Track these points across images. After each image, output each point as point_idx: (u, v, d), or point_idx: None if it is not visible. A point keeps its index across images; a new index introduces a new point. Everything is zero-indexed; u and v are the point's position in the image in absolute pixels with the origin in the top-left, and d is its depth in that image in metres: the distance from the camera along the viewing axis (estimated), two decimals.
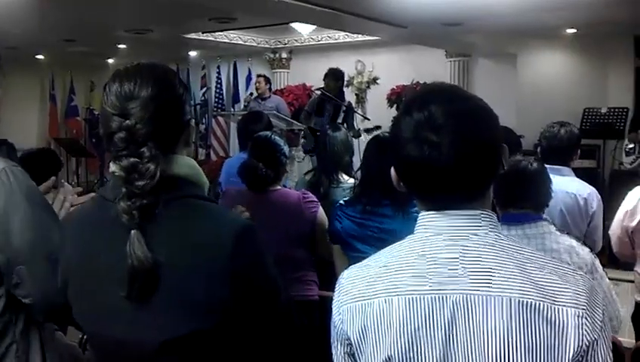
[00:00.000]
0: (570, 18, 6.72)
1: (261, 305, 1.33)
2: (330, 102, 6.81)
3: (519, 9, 5.80)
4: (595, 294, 1.03)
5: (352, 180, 3.38)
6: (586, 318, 0.99)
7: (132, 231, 1.18)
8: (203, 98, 10.88)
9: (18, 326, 1.60)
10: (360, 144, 5.05)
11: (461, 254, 1.04)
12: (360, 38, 8.93)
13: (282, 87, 10.17)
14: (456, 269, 1.03)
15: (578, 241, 2.24)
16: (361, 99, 9.84)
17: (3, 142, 3.31)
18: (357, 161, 3.81)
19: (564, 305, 0.99)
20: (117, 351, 1.27)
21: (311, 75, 9.01)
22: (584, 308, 0.99)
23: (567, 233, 2.30)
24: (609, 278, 2.33)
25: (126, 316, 1.22)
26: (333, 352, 1.14)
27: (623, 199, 2.99)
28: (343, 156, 3.51)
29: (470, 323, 1.00)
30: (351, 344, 1.09)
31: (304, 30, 8.52)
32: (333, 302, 1.13)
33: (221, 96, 10.80)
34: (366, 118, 7.72)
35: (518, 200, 2.20)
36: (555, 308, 0.98)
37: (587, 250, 2.20)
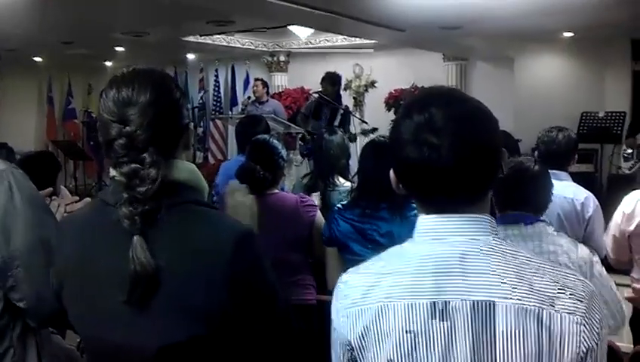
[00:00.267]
0: (568, 22, 6.74)
1: (260, 310, 1.33)
2: (328, 106, 6.82)
3: (517, 13, 5.81)
4: (595, 300, 1.03)
5: (348, 183, 3.38)
6: (584, 325, 0.99)
7: (135, 237, 1.18)
8: (201, 101, 10.89)
9: (15, 331, 1.60)
10: (357, 147, 5.06)
11: (460, 259, 1.03)
12: (358, 41, 8.94)
13: (280, 90, 10.18)
14: (456, 274, 1.03)
15: (576, 241, 2.23)
16: (358, 102, 9.83)
17: (2, 146, 3.31)
18: (353, 165, 3.82)
19: (563, 311, 0.99)
20: (115, 356, 1.26)
21: (309, 78, 9.03)
22: (583, 314, 0.99)
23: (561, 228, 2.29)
24: None
25: (125, 321, 1.21)
26: (333, 357, 1.14)
27: (621, 203, 2.98)
28: (339, 159, 3.51)
29: (469, 329, 1.00)
30: (352, 349, 1.08)
31: (302, 33, 8.53)
32: (332, 306, 1.13)
33: (219, 100, 10.81)
34: (364, 122, 7.73)
35: (517, 203, 2.20)
36: (553, 314, 0.98)
37: (586, 249, 2.19)
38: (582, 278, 1.06)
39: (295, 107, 9.07)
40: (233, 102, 10.60)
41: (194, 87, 11.02)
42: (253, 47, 9.91)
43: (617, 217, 2.95)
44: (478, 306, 1.00)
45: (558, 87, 8.08)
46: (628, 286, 3.10)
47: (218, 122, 10.37)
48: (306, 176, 3.76)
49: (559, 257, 2.12)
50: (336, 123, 6.67)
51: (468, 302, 1.00)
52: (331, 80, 6.94)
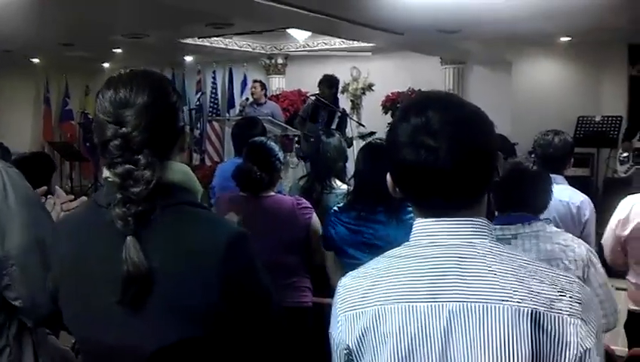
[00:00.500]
0: (565, 26, 6.76)
1: (253, 311, 1.33)
2: (325, 109, 6.83)
3: (514, 17, 5.83)
4: (590, 301, 1.03)
5: (345, 186, 3.38)
6: (581, 326, 0.99)
7: (128, 238, 1.18)
8: (198, 103, 10.89)
9: (11, 330, 1.60)
10: (354, 150, 5.07)
11: (457, 262, 1.04)
12: (356, 44, 8.96)
13: (278, 92, 10.18)
14: (452, 277, 1.03)
15: (575, 238, 2.23)
16: (356, 105, 9.84)
17: None
18: (350, 167, 3.82)
19: (560, 313, 0.99)
20: (109, 357, 1.26)
21: (306, 81, 9.04)
22: (580, 316, 1.00)
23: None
24: None
25: (119, 322, 1.21)
26: (334, 360, 1.14)
27: (616, 207, 3.00)
28: (336, 162, 3.52)
29: (467, 332, 1.00)
30: (350, 352, 1.09)
31: (300, 36, 8.54)
32: (332, 310, 1.14)
33: (216, 102, 10.80)
34: (361, 125, 7.74)
35: (516, 204, 2.20)
36: (550, 316, 0.99)
37: (584, 246, 2.19)
38: (578, 280, 1.06)
39: (292, 109, 9.08)
40: (230, 104, 10.60)
41: (191, 89, 11.02)
42: (251, 50, 9.91)
43: (613, 222, 2.96)
44: (475, 309, 1.00)
45: (555, 91, 8.10)
46: (624, 289, 3.12)
47: (215, 124, 10.36)
48: (303, 178, 3.77)
49: (555, 254, 2.12)
50: (334, 126, 6.68)
51: (465, 305, 1.01)
52: (329, 83, 6.95)
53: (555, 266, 2.00)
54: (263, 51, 10.17)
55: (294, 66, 10.41)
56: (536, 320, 0.98)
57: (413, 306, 1.03)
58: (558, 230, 2.24)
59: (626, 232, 2.89)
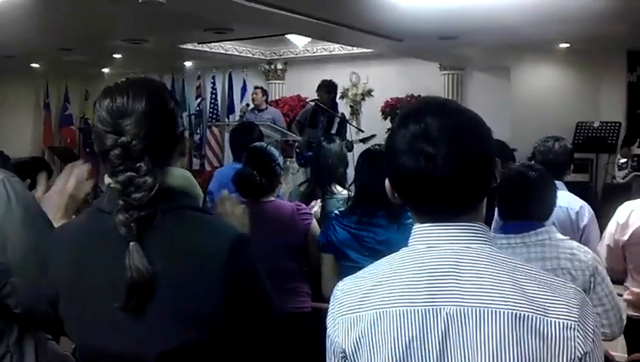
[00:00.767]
0: (564, 33, 6.78)
1: (254, 314, 1.33)
2: (325, 114, 6.84)
3: (514, 23, 5.85)
4: (587, 306, 1.04)
5: (345, 192, 3.39)
6: (578, 331, 0.99)
7: (131, 244, 1.18)
8: (198, 108, 10.90)
9: (12, 337, 1.60)
10: (353, 155, 5.07)
11: (454, 266, 1.04)
12: (355, 50, 8.98)
13: (277, 98, 10.20)
14: (450, 281, 1.03)
15: (580, 246, 2.23)
16: (355, 111, 9.88)
17: None
18: (350, 173, 3.83)
19: (556, 318, 1.00)
20: None
21: (306, 86, 9.05)
22: (576, 320, 1.00)
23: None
24: None
25: (122, 328, 1.21)
26: None
27: (615, 213, 3.00)
28: (337, 168, 3.52)
29: (464, 336, 1.01)
30: (346, 356, 1.09)
31: (299, 42, 8.56)
32: (328, 313, 1.14)
33: (216, 107, 10.81)
34: (360, 130, 7.75)
35: (520, 213, 2.20)
36: (547, 321, 0.99)
37: (590, 254, 2.19)
38: (574, 286, 1.07)
39: (292, 115, 9.09)
40: (230, 109, 10.61)
41: (191, 94, 11.03)
42: (250, 55, 9.93)
43: (611, 227, 2.97)
44: (472, 313, 1.01)
45: (554, 97, 8.12)
46: (621, 295, 3.12)
47: (215, 129, 10.37)
48: (303, 183, 3.77)
49: (561, 262, 2.12)
50: (333, 131, 6.68)
51: (462, 309, 1.01)
52: (327, 88, 6.96)
53: (562, 275, 2.00)
54: (262, 57, 10.19)
55: (294, 72, 10.43)
56: (532, 324, 0.99)
57: (410, 310, 1.03)
58: (565, 238, 2.23)
59: (625, 238, 2.89)
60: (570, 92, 8.10)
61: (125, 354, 1.22)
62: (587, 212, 3.07)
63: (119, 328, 1.21)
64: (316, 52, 9.64)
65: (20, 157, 3.98)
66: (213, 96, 10.82)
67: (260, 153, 2.92)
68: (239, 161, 3.78)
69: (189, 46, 8.72)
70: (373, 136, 6.60)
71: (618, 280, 3.11)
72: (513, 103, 8.35)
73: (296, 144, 6.93)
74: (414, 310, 1.03)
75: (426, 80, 8.92)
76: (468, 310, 1.01)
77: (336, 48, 9.34)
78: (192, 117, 10.55)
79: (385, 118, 9.12)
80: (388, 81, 9.36)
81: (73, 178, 1.75)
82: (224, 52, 9.31)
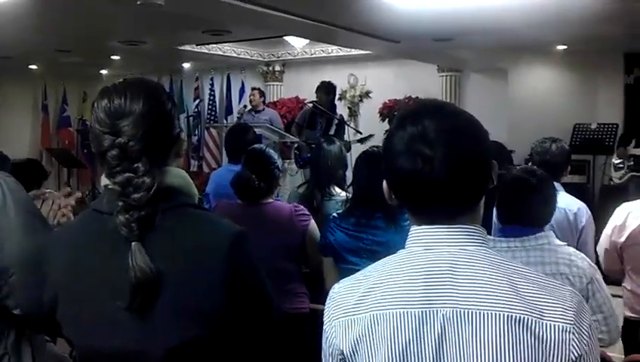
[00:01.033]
0: (561, 34, 6.80)
1: (255, 312, 1.34)
2: (323, 116, 6.84)
3: (511, 25, 5.86)
4: (583, 309, 1.04)
5: (344, 193, 3.39)
6: (573, 333, 1.00)
7: (133, 244, 1.18)
8: (196, 110, 10.89)
9: (9, 338, 1.60)
10: (351, 156, 5.07)
11: (451, 268, 1.05)
12: (353, 52, 8.99)
13: (275, 99, 10.20)
14: (446, 283, 1.04)
15: (577, 253, 2.24)
16: (353, 112, 9.89)
17: None
18: (349, 174, 3.83)
19: (552, 320, 1.00)
20: None
21: (304, 88, 9.06)
22: (572, 323, 1.00)
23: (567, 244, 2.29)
24: None
25: (126, 328, 1.21)
26: None
27: (612, 214, 3.01)
28: (337, 170, 3.53)
29: (460, 338, 1.01)
30: (344, 358, 1.09)
31: (297, 44, 8.57)
32: (325, 316, 1.14)
33: (214, 108, 10.81)
34: (358, 132, 7.75)
35: (520, 217, 2.20)
36: (542, 323, 1.00)
37: (587, 261, 2.20)
38: (570, 288, 1.07)
39: (290, 116, 9.09)
40: (228, 111, 10.60)
41: (189, 95, 11.03)
42: (248, 57, 9.93)
43: (609, 229, 2.98)
44: (468, 315, 1.01)
45: (551, 99, 8.13)
46: (620, 296, 3.13)
47: (213, 131, 10.37)
48: (302, 185, 3.77)
49: (560, 268, 2.13)
50: (331, 132, 6.68)
51: (458, 311, 1.02)
52: (326, 89, 6.96)
53: (560, 281, 2.01)
54: (260, 58, 10.19)
55: (292, 73, 10.43)
56: (529, 327, 0.99)
57: (407, 312, 1.04)
58: (562, 243, 2.24)
59: (622, 239, 2.90)
60: (567, 94, 8.12)
61: (128, 353, 1.22)
62: (585, 213, 3.08)
63: (122, 328, 1.21)
64: (314, 54, 9.64)
65: (16, 159, 3.99)
66: (211, 97, 10.82)
67: (258, 155, 2.92)
68: (235, 162, 3.79)
69: (187, 47, 8.72)
70: (371, 136, 6.59)
71: (616, 280, 3.12)
72: (511, 105, 8.36)
73: (295, 145, 6.92)
74: (411, 312, 1.03)
75: (424, 81, 8.93)
76: (464, 312, 1.01)
77: (334, 50, 9.35)
78: (190, 118, 10.55)
79: (383, 120, 9.13)
80: (386, 82, 9.36)
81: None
82: (222, 54, 9.31)
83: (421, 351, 1.02)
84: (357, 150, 5.19)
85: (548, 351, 0.99)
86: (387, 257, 1.14)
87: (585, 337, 1.01)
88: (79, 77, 11.34)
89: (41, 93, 11.44)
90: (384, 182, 1.15)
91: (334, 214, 2.74)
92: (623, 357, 2.70)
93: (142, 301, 1.18)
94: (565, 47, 7.63)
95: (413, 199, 1.11)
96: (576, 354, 1.00)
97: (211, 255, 1.24)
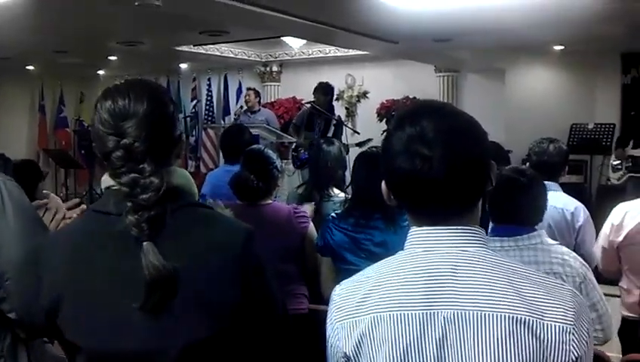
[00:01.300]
0: (558, 35, 6.81)
1: (262, 309, 1.34)
2: (321, 117, 6.84)
3: (508, 25, 5.87)
4: (583, 309, 1.05)
5: (342, 194, 3.39)
6: (573, 334, 1.00)
7: (144, 243, 1.18)
8: (193, 110, 10.89)
9: (6, 341, 1.59)
10: (349, 158, 5.08)
11: (451, 270, 1.05)
12: (351, 52, 9.00)
13: (273, 100, 10.20)
14: (447, 285, 1.04)
15: (570, 252, 2.25)
16: (351, 113, 9.90)
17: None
18: (347, 175, 3.82)
19: (552, 321, 1.00)
20: None
21: (301, 88, 9.07)
22: (572, 323, 1.01)
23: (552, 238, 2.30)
24: None
25: (141, 328, 1.20)
26: None
27: (609, 215, 3.02)
28: (336, 171, 3.53)
29: (461, 339, 1.01)
30: (347, 360, 1.10)
31: (295, 44, 8.57)
32: (327, 318, 1.14)
33: (211, 109, 10.81)
34: (356, 132, 7.75)
35: (511, 216, 2.21)
36: (543, 324, 1.00)
37: (579, 261, 2.21)
38: (571, 288, 1.08)
39: (287, 117, 9.10)
40: (225, 111, 10.60)
41: (186, 96, 11.02)
42: (246, 57, 9.93)
43: (606, 228, 2.98)
44: (469, 316, 1.01)
45: (548, 99, 8.15)
46: (617, 296, 3.13)
47: (210, 131, 10.37)
48: (301, 186, 3.77)
49: (554, 267, 2.13)
50: (330, 133, 6.68)
51: (459, 312, 1.02)
52: (324, 90, 6.95)
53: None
54: (258, 59, 10.20)
55: (289, 74, 10.43)
56: (530, 327, 0.99)
57: (408, 314, 1.04)
58: (554, 242, 2.25)
59: (620, 239, 2.91)
60: (564, 94, 8.14)
61: (140, 353, 1.21)
62: (582, 213, 3.09)
63: (137, 328, 1.20)
64: (312, 54, 9.65)
65: (13, 159, 3.98)
66: (209, 98, 10.82)
67: (257, 156, 2.92)
68: (231, 163, 3.79)
69: (185, 48, 8.71)
70: (369, 140, 6.60)
71: (613, 280, 3.13)
72: (508, 105, 8.38)
73: (293, 146, 6.93)
74: (412, 314, 1.04)
75: (422, 82, 8.94)
76: (465, 313, 1.02)
77: (331, 50, 9.35)
78: (188, 119, 10.54)
79: (380, 120, 9.14)
80: (383, 83, 9.37)
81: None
82: (219, 54, 9.31)
83: (423, 353, 1.03)
84: (354, 153, 5.20)
85: (548, 351, 0.99)
86: (387, 258, 1.14)
87: (584, 338, 1.02)
88: (76, 77, 11.33)
89: (38, 94, 11.43)
90: (383, 183, 1.15)
91: (333, 214, 2.74)
92: (621, 356, 2.71)
93: (157, 300, 1.18)
94: (562, 47, 7.65)
95: (412, 199, 1.11)
96: (576, 355, 1.00)
97: (225, 252, 1.26)
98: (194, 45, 8.68)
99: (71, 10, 5.86)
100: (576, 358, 1.00)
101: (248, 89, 8.14)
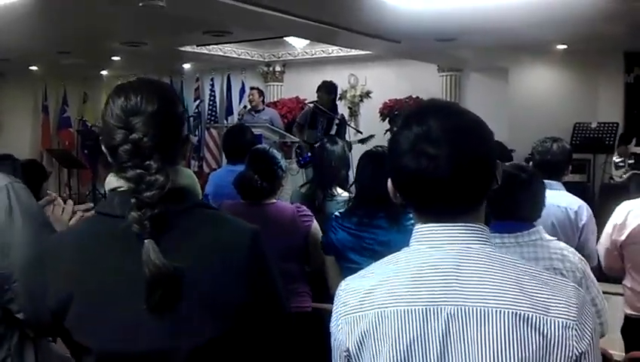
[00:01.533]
0: (561, 34, 6.80)
1: (269, 308, 1.35)
2: (324, 116, 6.84)
3: (511, 25, 5.87)
4: (586, 306, 1.05)
5: (346, 194, 3.40)
6: (576, 330, 1.01)
7: (145, 241, 1.18)
8: (196, 110, 10.90)
9: (13, 340, 1.60)
10: (352, 157, 5.09)
11: (456, 266, 1.06)
12: (353, 52, 9.00)
13: (276, 100, 10.21)
14: (451, 281, 1.05)
15: (568, 248, 2.25)
16: (354, 112, 9.90)
17: (7, 157, 3.32)
18: (350, 174, 3.83)
19: (556, 317, 1.01)
20: None
21: (304, 88, 9.07)
22: (575, 319, 1.02)
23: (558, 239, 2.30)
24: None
25: (149, 328, 1.20)
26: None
27: (613, 213, 3.02)
28: (340, 170, 3.53)
29: (465, 335, 1.02)
30: (349, 355, 1.11)
31: (298, 44, 8.58)
32: (332, 313, 1.15)
33: (214, 109, 10.83)
34: (358, 132, 7.76)
35: (510, 212, 2.21)
36: (547, 320, 1.01)
37: (578, 256, 2.21)
38: (574, 285, 1.09)
39: (291, 116, 9.10)
40: (229, 111, 10.61)
41: (189, 96, 11.03)
42: (249, 57, 9.94)
43: (609, 227, 2.99)
44: (473, 312, 1.02)
45: (551, 98, 8.14)
46: (620, 294, 3.14)
47: (213, 131, 10.37)
48: (304, 185, 3.78)
49: (553, 263, 2.14)
50: (333, 132, 6.69)
51: (463, 308, 1.03)
52: (327, 89, 6.96)
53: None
54: (261, 59, 10.20)
55: (292, 74, 10.44)
56: (533, 324, 1.00)
57: (412, 309, 1.05)
58: (553, 238, 2.25)
59: (623, 237, 2.91)
60: (567, 93, 8.12)
61: (150, 354, 1.22)
62: (585, 211, 3.09)
63: (145, 328, 1.20)
64: (314, 54, 9.65)
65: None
66: (212, 98, 10.83)
67: (262, 155, 2.93)
68: (234, 163, 3.80)
69: (188, 48, 8.72)
70: (372, 136, 6.60)
71: (616, 278, 3.13)
72: (511, 104, 8.37)
73: (296, 145, 6.93)
74: (416, 309, 1.05)
75: (424, 81, 8.94)
76: (469, 309, 1.02)
77: (334, 50, 9.35)
78: (191, 119, 10.55)
79: (383, 120, 9.13)
80: (386, 82, 9.37)
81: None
82: (222, 54, 9.32)
83: (426, 348, 1.03)
84: (358, 149, 5.20)
85: (552, 347, 1.00)
86: (392, 255, 1.15)
87: (587, 334, 1.02)
88: (79, 78, 11.36)
89: (41, 94, 11.45)
90: (389, 181, 1.16)
91: (336, 213, 2.75)
92: (624, 354, 2.71)
93: (160, 299, 1.18)
94: (565, 46, 7.64)
95: (418, 198, 1.12)
96: (579, 350, 1.01)
97: (233, 252, 1.27)
98: (197, 45, 8.68)
99: (74, 11, 5.87)
100: (580, 354, 1.01)
101: (252, 88, 8.11)
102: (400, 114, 8.61)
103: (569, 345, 1.00)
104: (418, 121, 1.10)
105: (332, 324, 1.14)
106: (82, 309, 1.24)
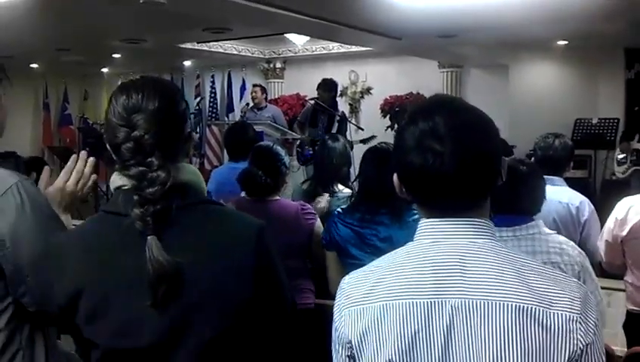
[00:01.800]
0: (562, 30, 6.80)
1: (273, 303, 1.36)
2: (325, 113, 6.84)
3: (512, 21, 5.87)
4: (589, 300, 1.06)
5: (347, 190, 3.40)
6: (580, 323, 1.02)
7: (148, 238, 1.19)
8: (197, 107, 10.89)
9: (24, 334, 1.62)
10: (353, 155, 5.10)
11: (460, 260, 1.07)
12: (354, 48, 9.00)
13: (276, 96, 10.21)
14: (455, 274, 1.06)
15: (567, 241, 2.25)
16: (354, 109, 9.90)
17: (10, 154, 3.33)
18: (352, 171, 3.83)
19: (560, 311, 1.02)
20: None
21: (305, 85, 9.06)
22: (578, 313, 1.02)
23: (557, 233, 2.30)
24: (601, 287, 2.35)
25: (156, 324, 1.21)
26: (334, 355, 1.16)
27: (614, 209, 3.02)
28: (341, 167, 3.54)
29: (468, 328, 1.03)
30: (352, 347, 1.11)
31: (298, 41, 8.57)
32: (335, 305, 1.16)
33: (215, 106, 10.83)
34: (359, 128, 7.76)
35: (510, 205, 2.21)
36: (550, 313, 1.01)
37: (577, 250, 2.21)
38: (575, 279, 1.10)
39: (291, 113, 9.10)
40: (229, 108, 10.62)
41: (190, 93, 11.02)
42: (249, 54, 9.94)
43: (610, 223, 2.99)
44: (477, 305, 1.03)
45: (552, 94, 8.14)
46: (622, 290, 3.14)
47: (214, 128, 10.37)
48: (306, 182, 3.78)
49: (551, 257, 2.14)
50: (334, 130, 6.69)
51: (467, 301, 1.03)
52: (327, 86, 6.96)
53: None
54: (261, 56, 10.21)
55: (293, 70, 10.44)
56: (536, 317, 1.01)
57: (416, 302, 1.05)
58: (552, 232, 2.25)
59: (624, 233, 2.91)
60: (568, 89, 8.13)
61: (156, 350, 1.23)
62: (587, 207, 3.09)
63: (152, 325, 1.21)
64: (315, 50, 9.65)
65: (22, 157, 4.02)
66: (213, 95, 10.84)
67: (265, 152, 2.93)
68: (236, 160, 3.81)
69: (188, 45, 8.72)
70: (373, 137, 6.61)
71: (618, 274, 3.14)
72: (512, 101, 8.37)
73: (298, 142, 6.93)
74: (419, 302, 1.05)
75: (425, 78, 8.94)
76: (473, 302, 1.03)
77: (335, 47, 9.35)
78: (192, 116, 10.55)
79: (384, 116, 9.13)
80: (387, 79, 9.37)
81: (74, 175, 1.78)
82: (223, 51, 9.32)
83: (430, 341, 1.04)
84: (359, 149, 5.20)
85: (555, 340, 1.01)
86: (396, 249, 1.16)
87: (591, 327, 1.03)
88: (80, 75, 11.37)
89: (42, 92, 11.47)
90: (395, 176, 1.17)
91: (339, 209, 2.75)
92: (626, 349, 2.72)
93: (164, 295, 1.19)
94: (566, 42, 7.64)
95: (423, 193, 1.13)
96: (583, 344, 1.01)
97: (240, 246, 1.28)
98: (197, 42, 8.69)
99: (74, 9, 5.88)
100: (583, 347, 1.01)
101: (254, 85, 8.08)
102: (401, 110, 8.62)
103: (574, 337, 1.01)
104: (424, 117, 1.11)
105: (335, 316, 1.15)
106: (90, 306, 1.26)
